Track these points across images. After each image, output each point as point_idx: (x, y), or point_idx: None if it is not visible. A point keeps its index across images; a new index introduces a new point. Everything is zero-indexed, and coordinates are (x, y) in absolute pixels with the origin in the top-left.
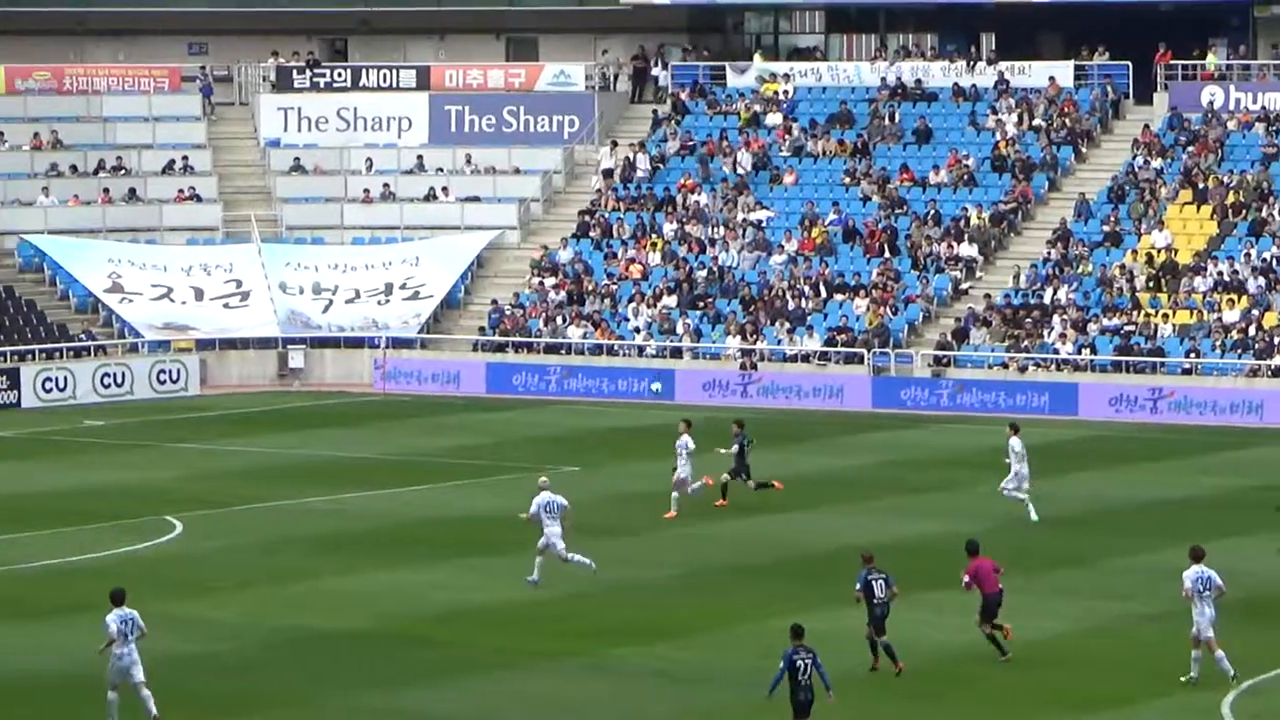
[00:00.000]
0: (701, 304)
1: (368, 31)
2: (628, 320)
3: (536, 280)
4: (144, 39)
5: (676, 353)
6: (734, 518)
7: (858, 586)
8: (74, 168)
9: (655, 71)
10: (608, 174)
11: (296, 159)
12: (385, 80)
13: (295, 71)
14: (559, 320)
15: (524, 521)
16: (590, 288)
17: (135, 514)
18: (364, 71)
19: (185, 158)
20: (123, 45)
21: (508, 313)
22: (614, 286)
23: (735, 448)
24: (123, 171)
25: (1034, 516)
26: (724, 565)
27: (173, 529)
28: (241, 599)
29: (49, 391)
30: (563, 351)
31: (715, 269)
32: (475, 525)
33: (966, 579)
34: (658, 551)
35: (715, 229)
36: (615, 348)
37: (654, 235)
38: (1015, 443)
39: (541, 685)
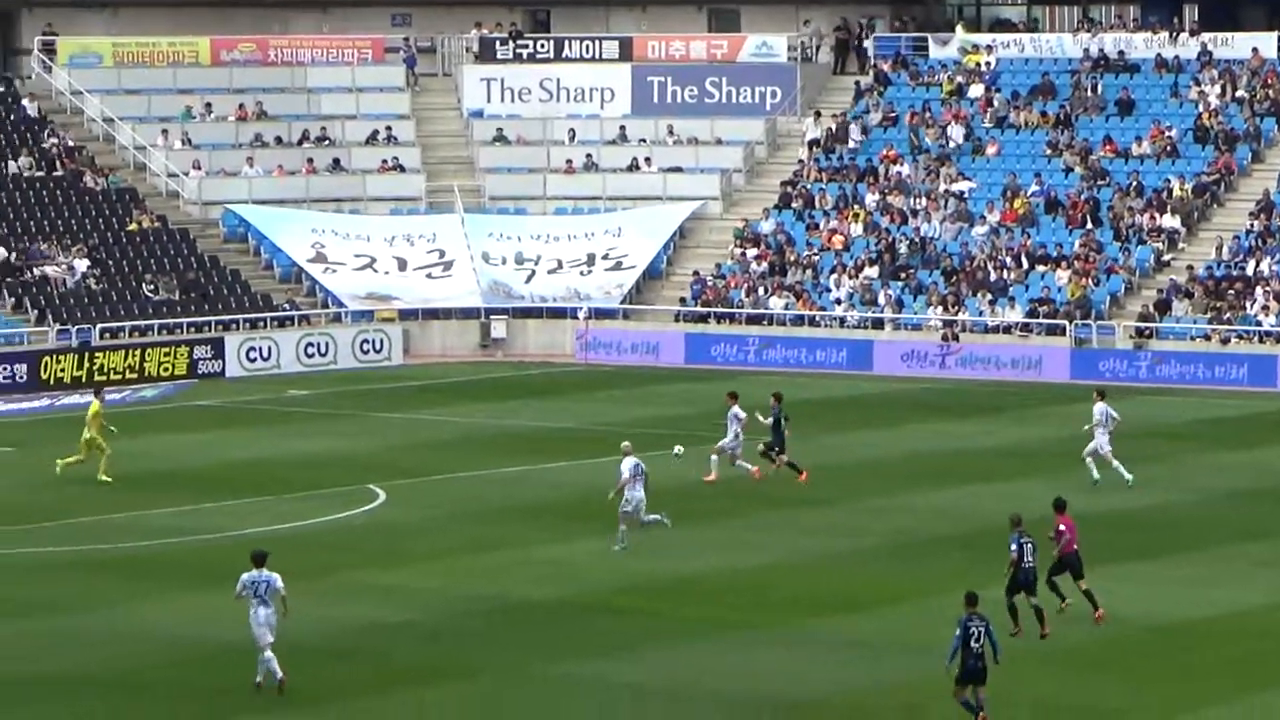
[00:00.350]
0: (903, 275)
1: (571, 3)
2: (829, 291)
3: (738, 251)
4: (348, 10)
5: (877, 323)
6: (931, 489)
7: (1012, 550)
8: (278, 138)
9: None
10: (814, 144)
11: (499, 129)
12: (588, 51)
13: (498, 43)
14: (760, 291)
15: (613, 496)
16: (792, 258)
17: (338, 483)
18: (567, 43)
19: (389, 128)
20: (327, 17)
21: (709, 283)
22: (816, 257)
23: (770, 420)
24: (327, 142)
25: (1128, 477)
26: (922, 536)
27: (375, 498)
28: (442, 568)
29: (253, 361)
30: (764, 322)
31: (917, 240)
32: (674, 495)
33: (1061, 529)
34: (856, 521)
35: (917, 200)
36: (816, 318)
37: (856, 206)
38: (1101, 408)
39: (738, 656)
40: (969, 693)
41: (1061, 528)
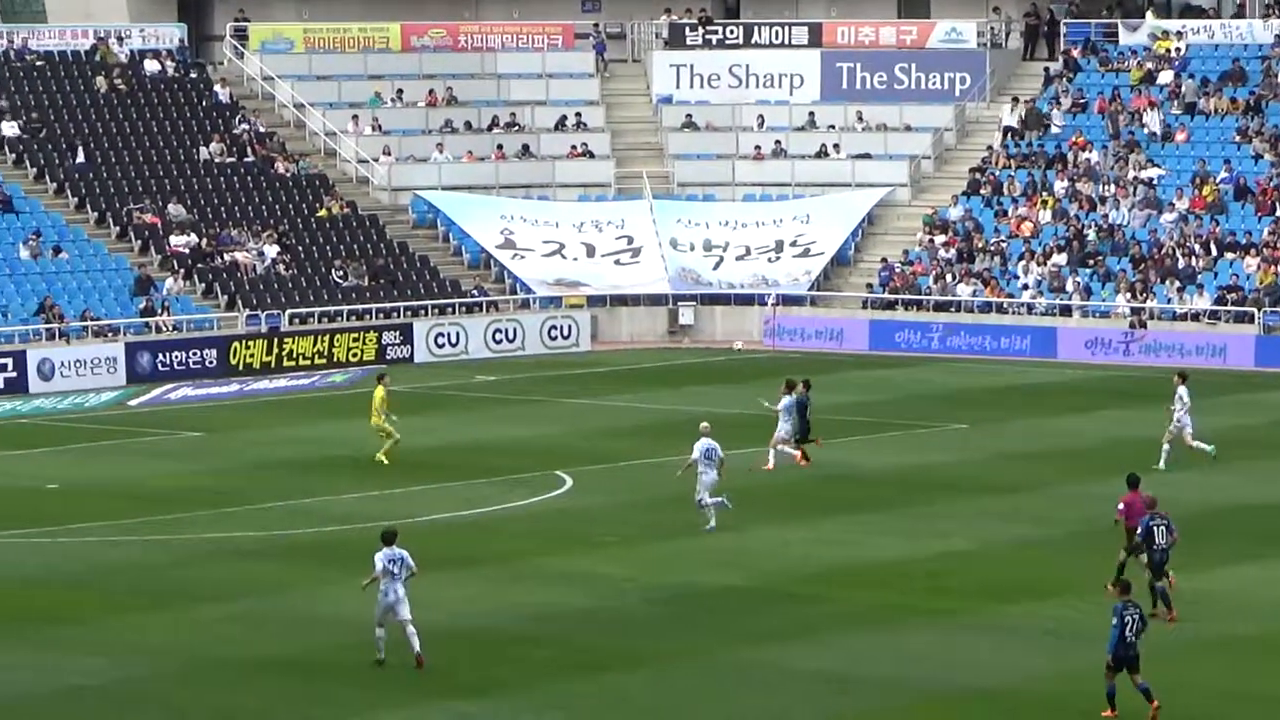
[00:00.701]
0: (1091, 262)
1: None
2: (1017, 278)
3: (926, 237)
4: None
5: (1064, 310)
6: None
7: (1139, 532)
8: (468, 124)
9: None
10: (1009, 131)
11: (688, 115)
12: (777, 37)
13: (688, 29)
14: (948, 278)
15: (684, 470)
16: (980, 245)
17: (525, 469)
18: (756, 29)
19: (578, 114)
20: (517, 3)
21: (897, 270)
22: (1004, 244)
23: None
24: (516, 128)
25: (1209, 449)
26: (1110, 524)
27: (562, 484)
28: (628, 554)
29: (441, 347)
30: (952, 309)
31: (1106, 227)
32: (860, 482)
33: (1122, 507)
34: (1048, 509)
35: (1106, 186)
36: (1004, 305)
37: (1044, 193)
38: (1183, 391)
39: (921, 641)
40: (1115, 679)
41: (1121, 506)
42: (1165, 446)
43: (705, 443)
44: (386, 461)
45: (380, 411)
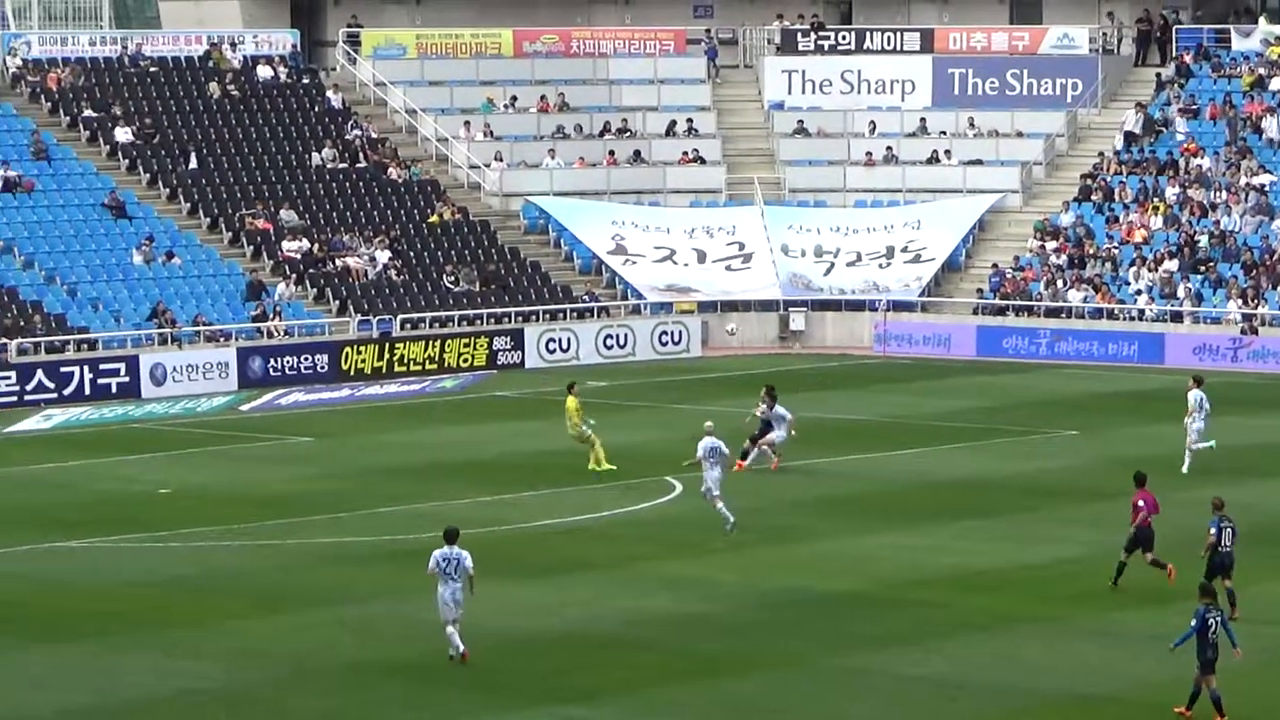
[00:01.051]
0: (1203, 268)
1: None
2: (1128, 284)
3: (1037, 243)
4: (649, 2)
5: (1175, 316)
6: (1229, 484)
7: (1212, 533)
8: (579, 128)
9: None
10: (1130, 137)
11: (800, 122)
12: (889, 43)
13: (800, 34)
14: (1059, 284)
15: (690, 465)
16: (1091, 251)
17: (636, 474)
18: (868, 34)
19: (689, 120)
20: (629, 8)
21: (1008, 275)
22: (1115, 250)
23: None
24: (627, 134)
25: (1184, 470)
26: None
27: (673, 490)
28: (740, 560)
29: (552, 352)
30: (1063, 315)
31: (1217, 233)
32: (973, 488)
33: (1139, 504)
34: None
35: (1218, 193)
36: (1115, 311)
37: (1156, 199)
38: (1194, 395)
39: (1031, 648)
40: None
41: (1140, 503)
42: (1196, 448)
43: (709, 441)
44: (603, 468)
45: (577, 420)
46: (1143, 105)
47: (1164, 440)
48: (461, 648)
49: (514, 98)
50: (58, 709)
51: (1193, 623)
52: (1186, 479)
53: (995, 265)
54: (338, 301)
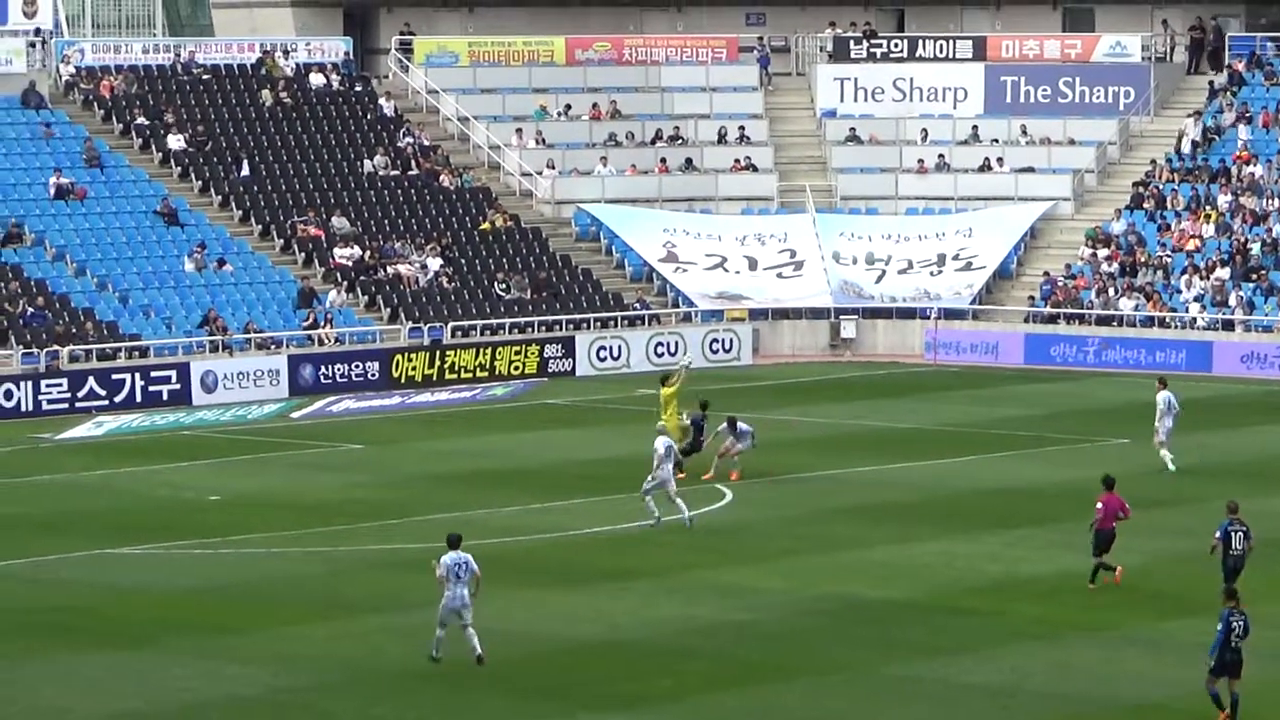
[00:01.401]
0: (1255, 276)
1: (924, 2)
2: (1179, 292)
3: (1089, 251)
4: (702, 10)
5: (1225, 325)
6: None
7: (1216, 536)
8: (631, 135)
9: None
10: (1194, 145)
11: (852, 129)
12: (941, 51)
13: (852, 42)
14: (1110, 291)
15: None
16: (1143, 259)
17: (685, 482)
18: (920, 42)
19: (742, 128)
20: (681, 16)
21: (1060, 283)
22: (1167, 258)
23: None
24: (679, 141)
25: (1170, 467)
26: (1274, 538)
27: (723, 497)
28: (788, 567)
29: (603, 360)
30: (1114, 324)
31: (1270, 241)
32: (1024, 496)
33: (1099, 506)
34: (1208, 523)
35: (1270, 201)
36: (1166, 319)
37: (1208, 207)
38: (1163, 396)
39: (1083, 656)
40: (1220, 684)
41: (1099, 505)
42: (1162, 453)
43: (664, 440)
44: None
45: (672, 411)
46: (1198, 113)
47: (1212, 449)
48: (479, 649)
49: (567, 105)
50: (109, 713)
51: (1219, 627)
52: (1225, 487)
53: (1046, 273)
54: (389, 309)
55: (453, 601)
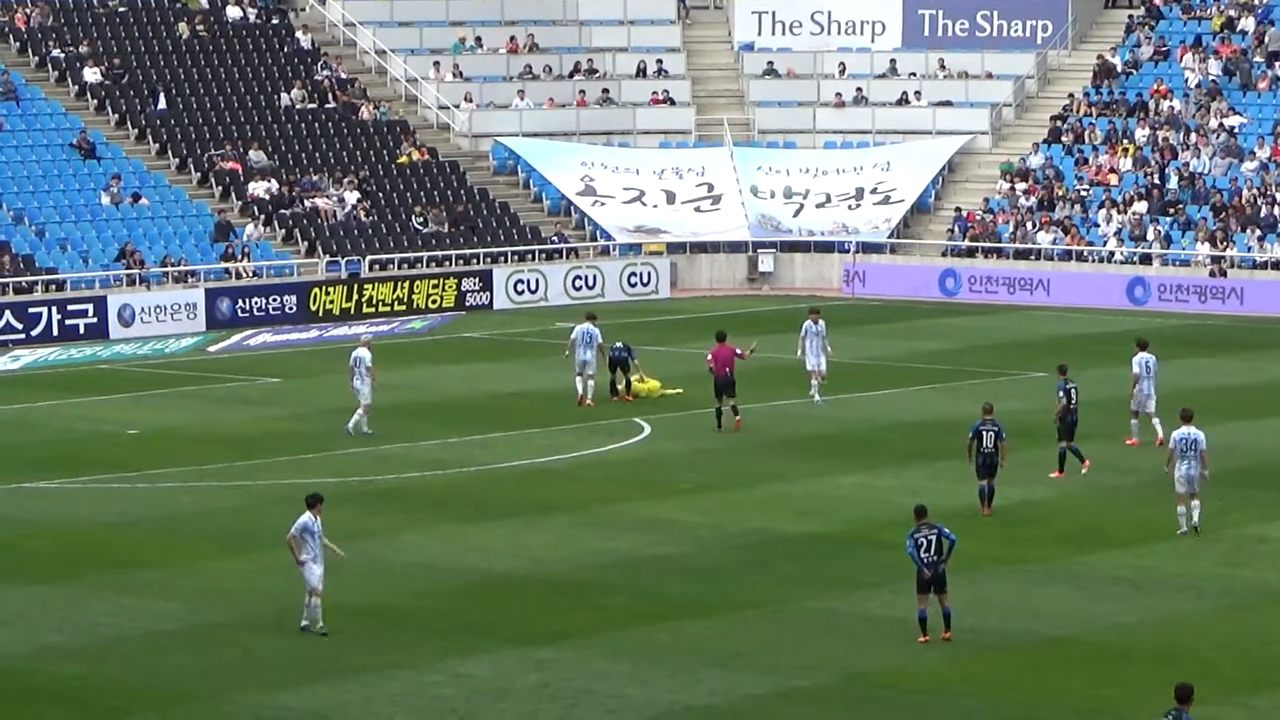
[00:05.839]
0: (1172, 210)
1: None
2: (1098, 226)
3: (1007, 185)
4: None
5: (1145, 259)
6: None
7: (969, 436)
8: (548, 69)
9: None
10: (1109, 73)
11: (770, 63)
12: None
13: None
14: (1029, 226)
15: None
16: (1061, 193)
17: (603, 416)
18: None
19: (659, 61)
20: None
21: (978, 218)
22: (1085, 192)
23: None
24: (597, 75)
25: (1159, 432)
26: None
27: (641, 431)
28: (708, 502)
29: (520, 293)
30: (1031, 258)
31: (1187, 175)
32: (941, 430)
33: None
34: (1125, 457)
35: (1187, 135)
36: (1085, 254)
37: (1126, 141)
38: (1140, 359)
39: (1002, 590)
40: (931, 604)
41: (709, 357)
42: (1134, 422)
43: (582, 327)
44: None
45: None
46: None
47: (1127, 383)
48: (322, 623)
49: (480, 38)
50: (32, 647)
51: (908, 546)
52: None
53: (958, 209)
54: (306, 242)
55: (314, 570)
